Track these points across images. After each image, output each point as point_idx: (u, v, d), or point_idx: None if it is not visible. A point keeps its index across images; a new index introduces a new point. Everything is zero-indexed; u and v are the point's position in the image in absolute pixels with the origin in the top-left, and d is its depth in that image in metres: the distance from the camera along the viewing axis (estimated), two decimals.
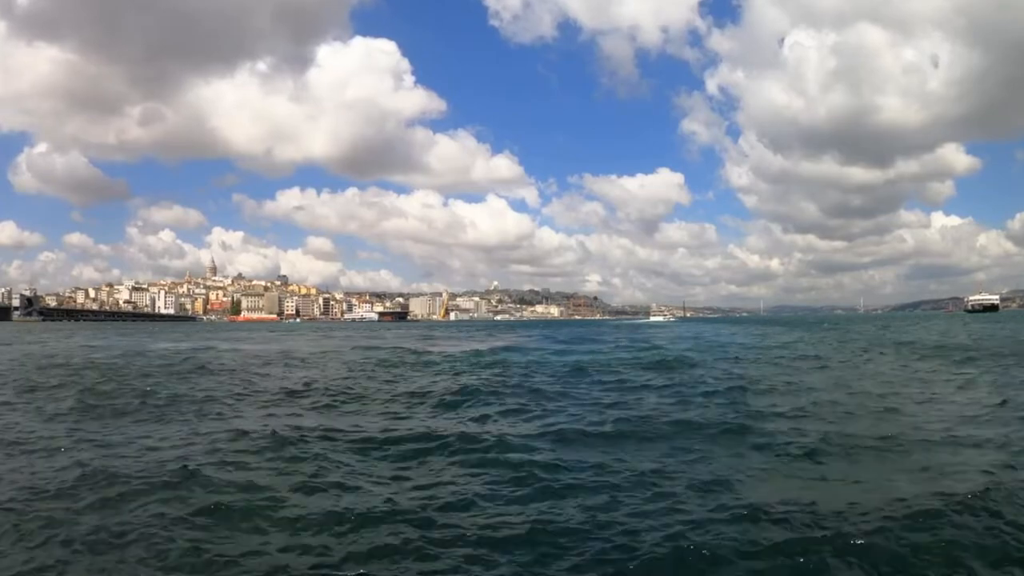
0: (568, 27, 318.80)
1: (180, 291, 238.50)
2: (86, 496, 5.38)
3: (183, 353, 25.18)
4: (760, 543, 4.24)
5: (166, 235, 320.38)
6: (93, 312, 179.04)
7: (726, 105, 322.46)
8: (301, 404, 11.24)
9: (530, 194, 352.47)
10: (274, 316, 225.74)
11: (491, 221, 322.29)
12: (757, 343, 30.39)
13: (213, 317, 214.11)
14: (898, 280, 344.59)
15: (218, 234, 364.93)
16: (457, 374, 16.29)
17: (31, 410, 10.44)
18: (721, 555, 4.11)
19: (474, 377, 15.16)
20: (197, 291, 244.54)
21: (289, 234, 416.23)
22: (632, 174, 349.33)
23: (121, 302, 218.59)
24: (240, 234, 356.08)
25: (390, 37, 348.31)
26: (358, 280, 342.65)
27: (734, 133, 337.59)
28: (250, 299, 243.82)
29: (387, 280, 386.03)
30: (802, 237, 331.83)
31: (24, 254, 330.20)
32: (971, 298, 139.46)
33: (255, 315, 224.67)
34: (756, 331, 45.94)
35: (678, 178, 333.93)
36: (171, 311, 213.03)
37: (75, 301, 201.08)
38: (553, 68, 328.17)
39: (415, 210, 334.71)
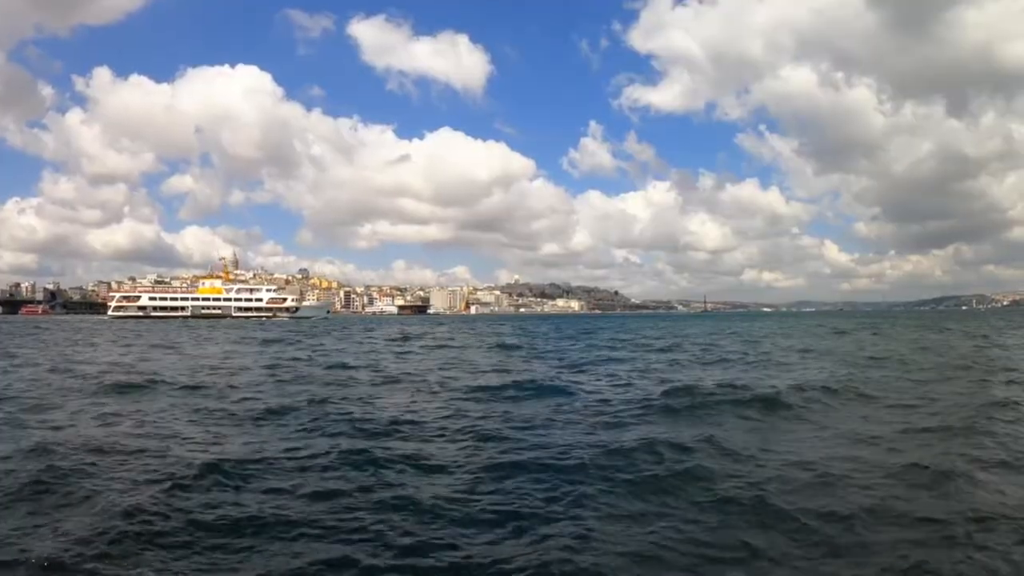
0: None
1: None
2: None
3: None
4: None
5: (187, 231, 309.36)
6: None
7: None
8: None
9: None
10: None
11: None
12: None
13: None
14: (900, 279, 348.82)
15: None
16: None
17: None
18: None
19: None
20: None
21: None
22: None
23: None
24: (258, 228, 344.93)
25: None
26: (372, 275, 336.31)
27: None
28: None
29: (406, 273, 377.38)
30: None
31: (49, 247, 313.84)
32: None
33: None
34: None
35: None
36: None
37: (98, 295, 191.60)
38: None
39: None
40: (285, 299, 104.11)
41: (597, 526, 4.62)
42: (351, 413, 9.19)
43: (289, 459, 6.52)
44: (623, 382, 13.22)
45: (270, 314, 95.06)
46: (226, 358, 20.72)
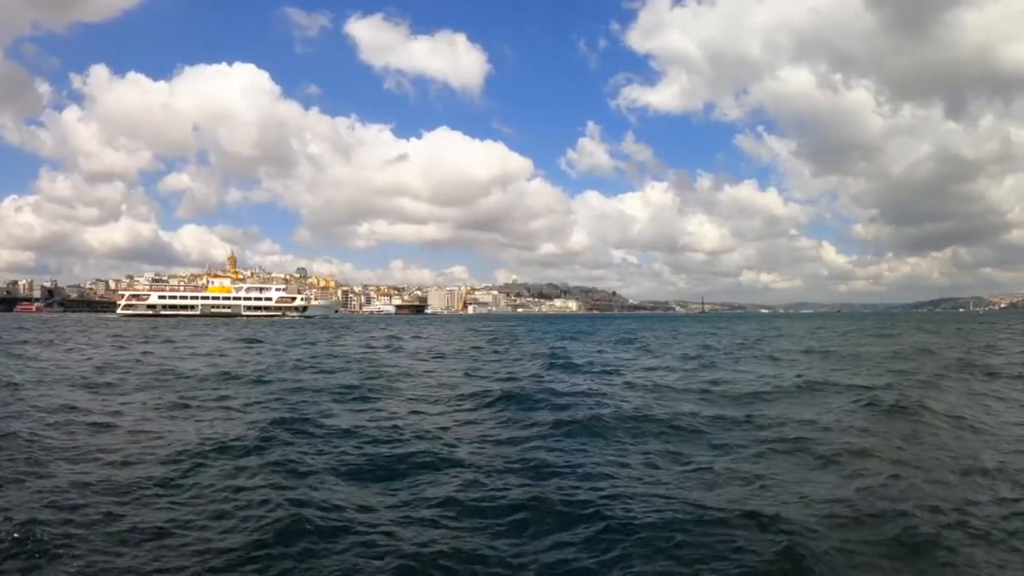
0: None
1: (200, 284, 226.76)
2: None
3: None
4: None
5: (184, 229, 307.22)
6: (114, 304, 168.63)
7: None
8: None
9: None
10: None
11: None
12: None
13: None
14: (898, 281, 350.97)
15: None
16: None
17: None
18: None
19: None
20: None
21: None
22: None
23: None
24: (255, 227, 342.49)
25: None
26: (370, 274, 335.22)
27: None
28: None
29: (404, 272, 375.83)
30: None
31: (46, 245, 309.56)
32: None
33: None
34: None
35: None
36: None
37: (96, 293, 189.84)
38: None
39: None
40: (294, 298, 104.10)
41: None
42: None
43: None
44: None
45: (279, 313, 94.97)
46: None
